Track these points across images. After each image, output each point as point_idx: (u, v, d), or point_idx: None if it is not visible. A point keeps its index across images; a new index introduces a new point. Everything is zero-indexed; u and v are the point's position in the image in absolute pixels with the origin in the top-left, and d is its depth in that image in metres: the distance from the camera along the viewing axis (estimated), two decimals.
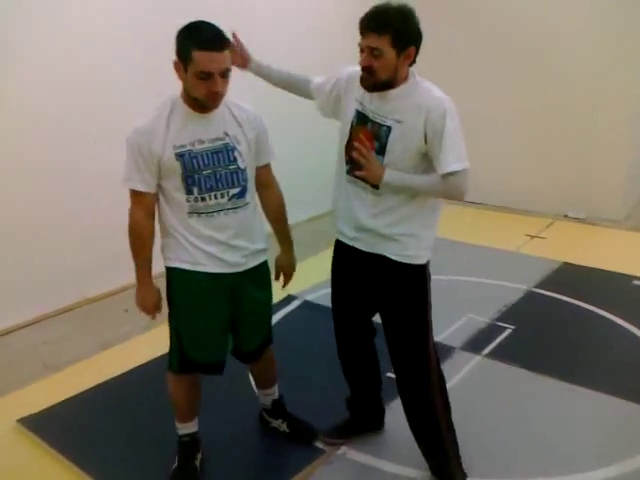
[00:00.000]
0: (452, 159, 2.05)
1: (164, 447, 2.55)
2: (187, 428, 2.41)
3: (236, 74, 2.16)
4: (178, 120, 2.04)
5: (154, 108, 2.08)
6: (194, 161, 2.04)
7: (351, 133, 2.16)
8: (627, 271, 4.45)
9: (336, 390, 2.68)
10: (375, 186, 2.11)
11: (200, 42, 1.92)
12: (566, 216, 5.91)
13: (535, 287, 4.22)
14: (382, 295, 2.27)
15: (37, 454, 2.63)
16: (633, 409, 2.85)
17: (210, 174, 2.06)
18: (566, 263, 4.66)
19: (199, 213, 2.10)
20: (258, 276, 2.27)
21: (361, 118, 2.13)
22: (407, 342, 2.27)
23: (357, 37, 2.06)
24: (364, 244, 2.22)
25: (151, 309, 2.23)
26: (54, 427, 2.78)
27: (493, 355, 3.33)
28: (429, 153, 2.08)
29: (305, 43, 5.42)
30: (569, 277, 4.45)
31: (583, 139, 5.74)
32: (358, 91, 2.13)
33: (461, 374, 3.12)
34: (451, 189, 2.13)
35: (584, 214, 5.84)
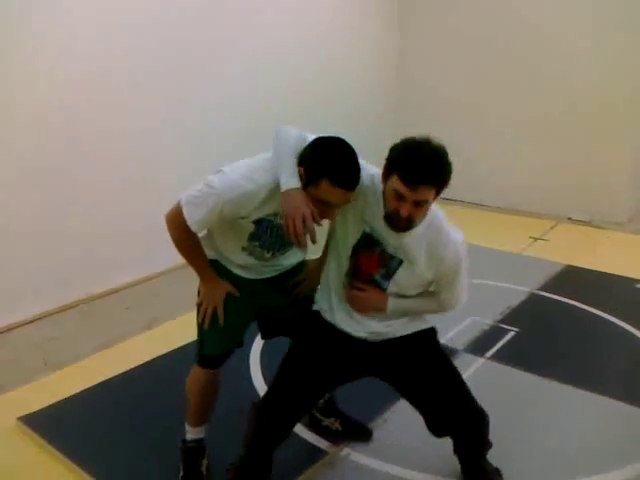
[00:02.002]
0: (461, 297, 2.16)
1: (165, 446, 2.54)
2: (195, 433, 2.38)
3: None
4: (274, 204, 1.94)
5: (255, 173, 1.95)
6: (268, 230, 2.04)
7: (354, 258, 2.04)
8: (630, 274, 4.44)
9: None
10: None
11: (336, 177, 1.81)
12: (570, 218, 5.90)
13: (538, 290, 4.20)
14: (399, 361, 2.17)
15: (37, 452, 2.61)
16: (635, 413, 2.84)
17: (275, 242, 2.10)
18: (569, 266, 4.64)
19: (251, 254, 2.14)
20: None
21: (369, 242, 1.99)
22: (459, 396, 2.18)
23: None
24: (375, 338, 2.14)
25: (219, 302, 2.17)
26: (55, 425, 2.77)
27: (497, 357, 3.31)
28: (435, 285, 2.10)
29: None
30: (572, 280, 4.44)
31: (587, 142, 5.73)
32: (369, 211, 1.96)
33: (465, 376, 3.07)
34: (447, 310, 2.21)
35: (588, 217, 5.83)
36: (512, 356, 3.32)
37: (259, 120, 4.81)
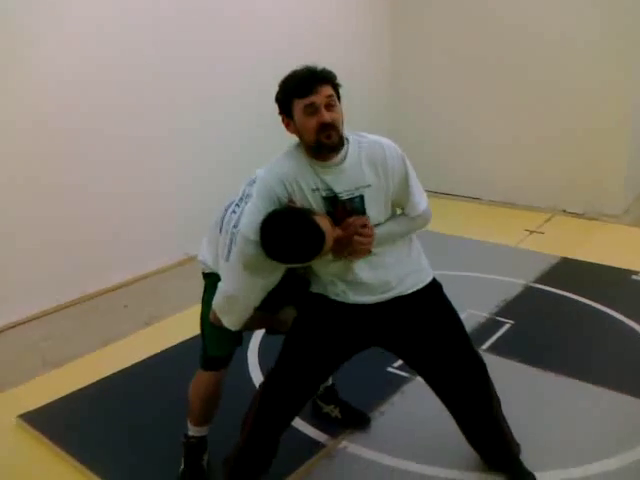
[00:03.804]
0: (420, 199, 2.14)
1: (165, 442, 2.57)
2: (197, 432, 2.40)
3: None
4: None
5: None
6: None
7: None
8: (626, 266, 4.45)
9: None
10: None
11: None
12: (565, 211, 5.92)
13: (534, 282, 4.23)
14: (409, 326, 2.17)
15: (38, 449, 2.64)
16: (631, 403, 2.86)
17: None
18: (565, 258, 4.67)
19: None
20: None
21: (330, 202, 1.98)
22: (460, 344, 2.21)
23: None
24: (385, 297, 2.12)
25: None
26: (55, 422, 2.79)
27: (492, 349, 3.33)
28: (395, 200, 2.09)
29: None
30: (568, 272, 4.46)
31: (583, 134, 5.74)
32: (310, 181, 1.97)
33: None
34: (421, 224, 2.18)
35: (583, 209, 5.85)
36: (508, 348, 3.34)
37: (253, 124, 4.83)
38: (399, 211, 2.15)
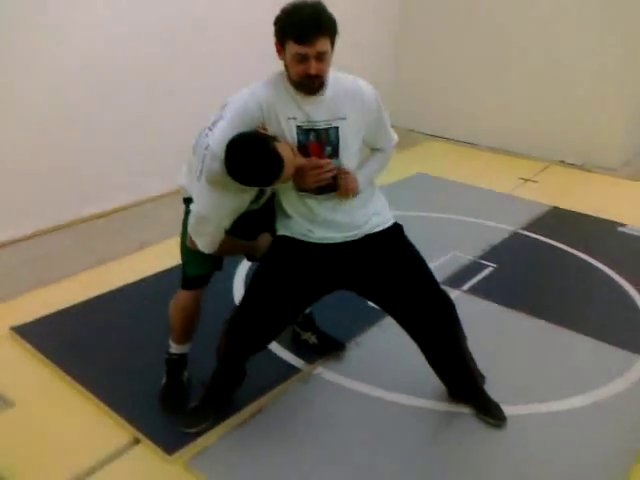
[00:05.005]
0: (392, 130, 2.30)
1: (150, 358, 2.69)
2: (178, 349, 2.53)
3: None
4: None
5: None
6: None
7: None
8: (614, 218, 4.53)
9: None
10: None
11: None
12: (562, 162, 5.94)
13: (521, 229, 4.30)
14: (374, 265, 2.26)
15: (29, 360, 2.76)
16: (602, 347, 2.98)
17: None
18: (555, 207, 4.73)
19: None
20: None
21: (304, 132, 2.05)
22: (425, 282, 2.32)
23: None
24: (350, 236, 2.22)
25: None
26: (47, 336, 2.91)
27: (472, 291, 3.44)
28: (369, 134, 2.18)
29: None
30: (556, 221, 4.53)
31: (583, 85, 5.72)
32: (289, 110, 2.03)
33: None
34: (390, 156, 2.34)
35: (581, 161, 5.87)
36: (488, 290, 3.44)
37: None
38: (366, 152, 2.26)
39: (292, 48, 1.93)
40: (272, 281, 2.25)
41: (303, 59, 1.93)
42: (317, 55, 1.92)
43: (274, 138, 1.99)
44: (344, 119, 2.06)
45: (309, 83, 1.98)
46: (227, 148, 1.94)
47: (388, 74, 6.70)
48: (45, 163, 3.95)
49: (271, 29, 2.00)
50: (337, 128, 2.06)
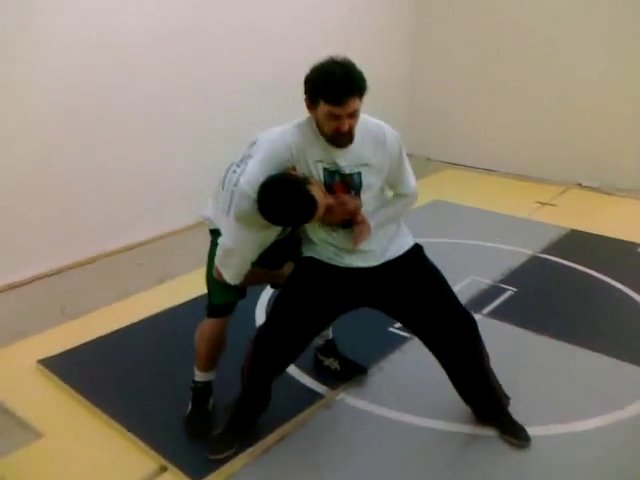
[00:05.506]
0: (411, 178, 2.32)
1: (174, 387, 2.72)
2: (203, 377, 2.56)
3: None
4: None
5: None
6: None
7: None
8: (633, 239, 4.52)
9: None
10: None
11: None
12: (580, 185, 5.94)
13: (540, 252, 4.30)
14: (396, 284, 2.33)
15: (56, 392, 2.80)
16: (624, 368, 2.96)
17: None
18: (574, 230, 4.72)
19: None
20: None
21: (330, 174, 2.13)
22: (446, 300, 2.38)
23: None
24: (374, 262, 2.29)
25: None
26: (73, 368, 2.95)
27: (493, 314, 3.44)
28: (389, 180, 2.25)
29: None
30: (575, 243, 4.53)
31: (599, 108, 5.75)
32: (316, 153, 2.11)
33: None
34: (410, 203, 2.37)
35: (597, 183, 5.87)
36: (508, 314, 3.44)
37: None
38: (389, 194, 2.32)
39: (324, 108, 1.98)
40: (298, 298, 2.30)
41: (336, 118, 1.99)
42: (349, 114, 1.99)
43: (307, 180, 2.05)
44: (368, 165, 2.13)
45: (340, 138, 2.04)
46: (261, 189, 2.00)
47: (405, 103, 6.81)
48: (70, 198, 4.05)
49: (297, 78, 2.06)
50: (360, 173, 2.13)
